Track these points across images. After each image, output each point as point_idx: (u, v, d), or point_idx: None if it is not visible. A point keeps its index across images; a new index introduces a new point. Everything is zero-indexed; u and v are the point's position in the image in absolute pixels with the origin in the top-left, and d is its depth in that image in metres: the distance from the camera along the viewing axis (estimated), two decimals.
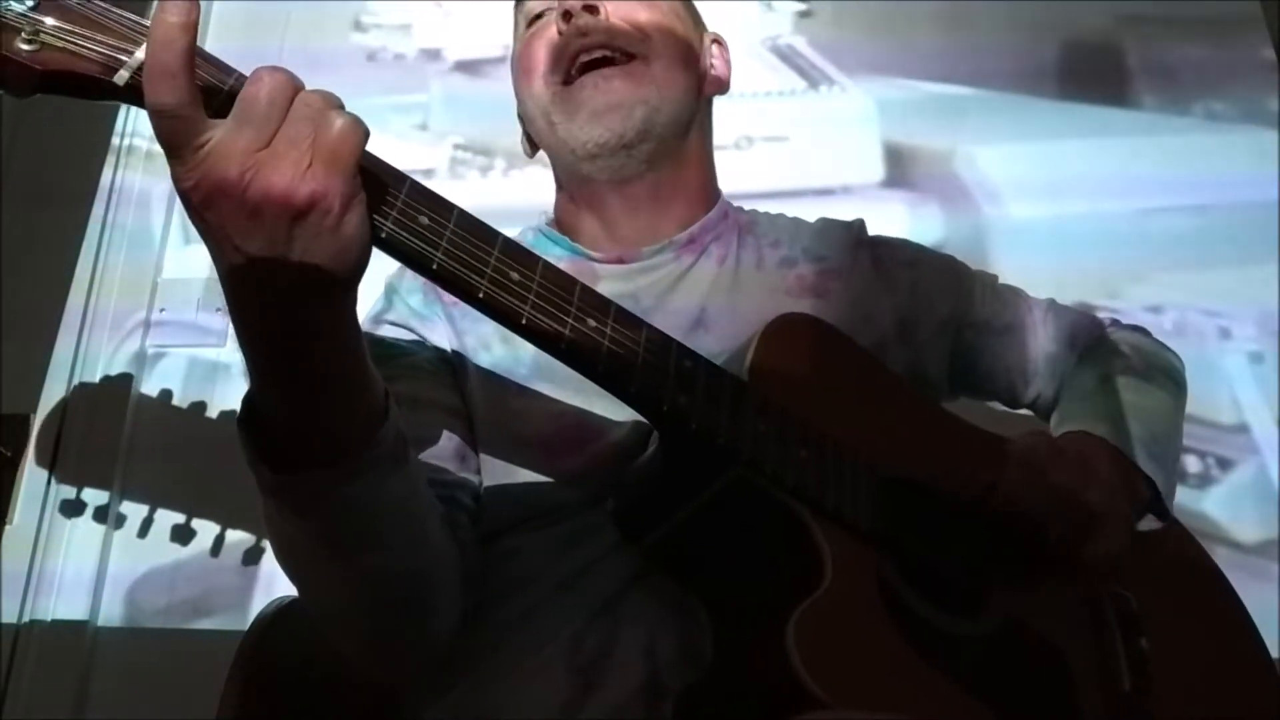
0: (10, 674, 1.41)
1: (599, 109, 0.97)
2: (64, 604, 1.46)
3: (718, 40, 1.15)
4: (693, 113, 1.06)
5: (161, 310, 1.65)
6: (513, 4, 1.11)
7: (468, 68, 1.84)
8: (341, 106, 0.63)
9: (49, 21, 0.60)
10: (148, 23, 0.61)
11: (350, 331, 0.66)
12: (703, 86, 1.09)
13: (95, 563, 1.48)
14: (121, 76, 0.60)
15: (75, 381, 1.57)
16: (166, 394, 1.54)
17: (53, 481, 1.50)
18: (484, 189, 1.71)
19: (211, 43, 1.80)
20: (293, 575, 0.77)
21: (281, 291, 0.62)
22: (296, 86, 0.61)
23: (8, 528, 1.47)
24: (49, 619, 1.45)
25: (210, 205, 0.60)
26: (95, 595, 1.47)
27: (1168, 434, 0.97)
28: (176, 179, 0.60)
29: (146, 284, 1.66)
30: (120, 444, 1.53)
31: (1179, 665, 0.88)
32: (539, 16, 1.05)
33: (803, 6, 1.89)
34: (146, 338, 1.63)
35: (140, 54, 0.60)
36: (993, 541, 0.81)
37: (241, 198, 0.59)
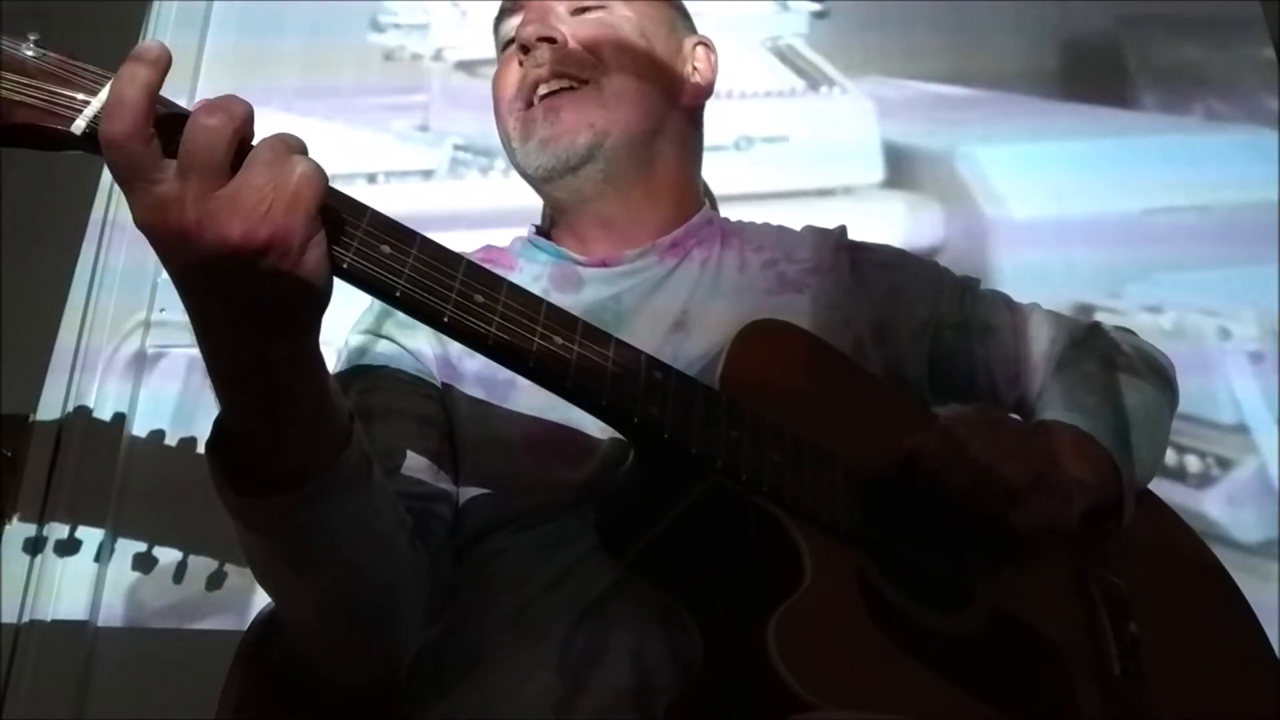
0: (10, 674, 1.41)
1: (546, 137, 1.01)
2: (64, 604, 1.46)
3: (704, 43, 1.15)
4: (657, 126, 1.07)
5: (161, 310, 1.65)
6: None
7: (468, 68, 1.84)
8: (304, 151, 0.63)
9: (7, 76, 0.61)
10: (105, 71, 0.63)
11: (313, 363, 0.68)
12: (679, 96, 1.09)
13: (95, 563, 1.47)
14: (78, 126, 0.62)
15: (75, 382, 1.57)
16: (165, 406, 1.54)
17: (50, 492, 1.49)
18: (484, 189, 1.71)
19: (227, 41, 1.81)
20: (262, 586, 0.79)
21: (244, 328, 0.63)
22: (237, 128, 0.61)
23: (8, 527, 1.47)
24: (49, 619, 1.45)
25: (168, 248, 0.61)
26: (95, 595, 1.47)
27: (1145, 428, 0.96)
28: (134, 218, 0.61)
29: (146, 284, 1.66)
30: (115, 476, 1.52)
31: (1170, 649, 0.88)
32: (511, 42, 1.08)
33: (818, 7, 1.89)
34: (146, 338, 1.63)
35: (97, 103, 0.62)
36: (938, 521, 0.81)
37: (198, 242, 0.60)
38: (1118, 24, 1.89)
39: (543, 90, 1.02)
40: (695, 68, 1.13)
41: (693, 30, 1.16)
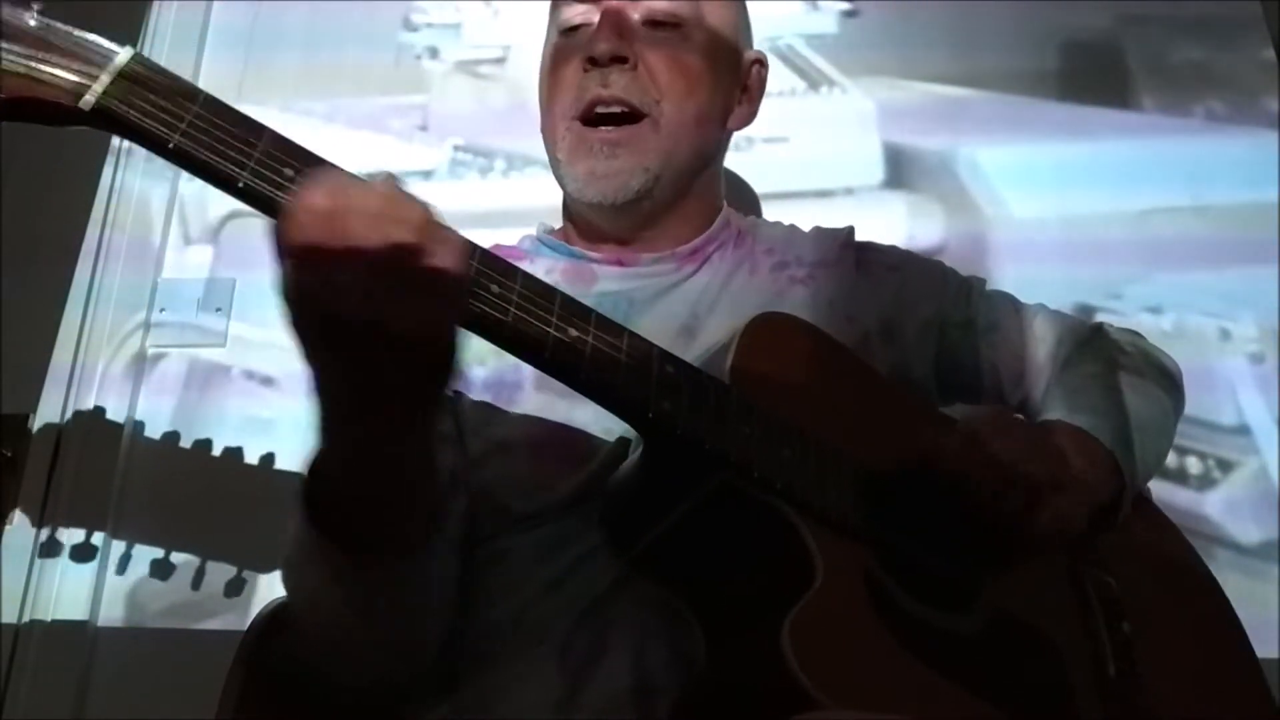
0: (10, 674, 1.41)
1: (598, 172, 0.99)
2: (64, 604, 1.46)
3: (759, 60, 1.13)
4: (706, 160, 1.06)
5: (162, 311, 1.65)
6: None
7: (468, 68, 1.84)
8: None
9: (11, 48, 0.59)
10: (112, 45, 0.62)
11: (432, 435, 0.70)
12: (727, 122, 1.08)
13: (95, 563, 1.47)
14: (87, 101, 0.60)
15: (75, 381, 1.57)
16: (161, 422, 1.54)
17: (51, 492, 1.49)
18: (484, 190, 1.71)
19: (227, 42, 1.81)
20: (303, 610, 0.79)
21: (379, 401, 0.63)
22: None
23: (8, 528, 1.47)
24: (49, 619, 1.45)
25: (334, 320, 0.58)
26: (95, 595, 1.47)
27: (1149, 430, 0.96)
28: (292, 288, 0.58)
29: (146, 284, 1.66)
30: (115, 477, 1.52)
31: (1161, 648, 0.89)
32: (574, 29, 1.05)
33: (848, 6, 1.89)
34: (147, 338, 1.63)
35: (106, 78, 0.60)
36: (951, 520, 0.81)
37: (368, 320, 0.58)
38: (1118, 25, 1.89)
39: (600, 110, 1.00)
40: (746, 88, 1.11)
41: (750, 41, 1.14)
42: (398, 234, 0.58)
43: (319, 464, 0.69)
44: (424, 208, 0.61)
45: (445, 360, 0.62)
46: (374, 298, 0.57)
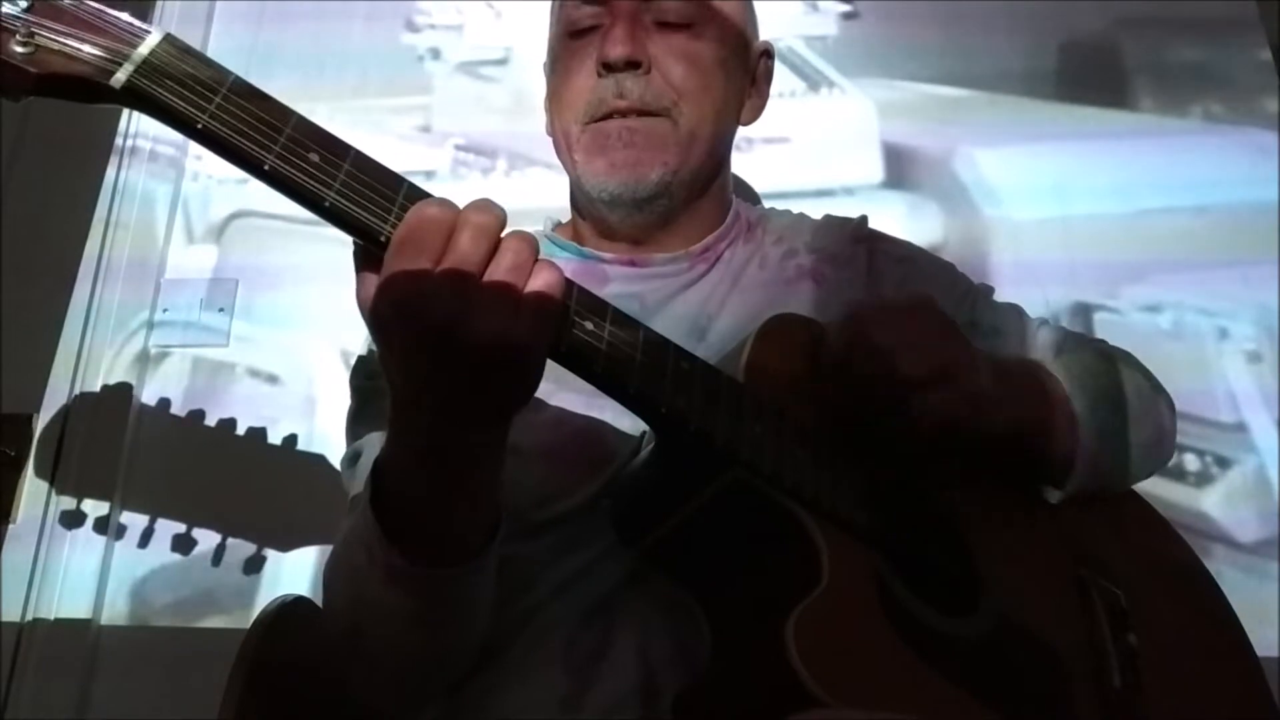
0: (13, 673, 1.41)
1: (617, 163, 0.98)
2: (67, 603, 1.47)
3: (767, 52, 1.13)
4: (720, 158, 1.06)
5: (165, 310, 1.66)
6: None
7: (469, 69, 1.85)
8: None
9: (44, 24, 0.59)
10: (144, 25, 0.62)
11: (501, 448, 0.72)
12: (739, 117, 1.09)
13: (98, 562, 1.48)
14: (118, 79, 0.60)
15: (78, 381, 1.58)
16: (169, 399, 1.56)
17: (55, 483, 1.50)
18: (485, 190, 1.70)
19: (229, 41, 1.82)
20: (352, 622, 0.79)
21: (456, 413, 0.66)
22: (504, 220, 0.65)
23: (10, 527, 1.47)
24: (51, 618, 1.46)
25: (417, 330, 0.62)
26: (98, 594, 1.47)
27: (1135, 414, 0.95)
28: (383, 299, 0.63)
29: (150, 284, 1.67)
30: (122, 451, 1.54)
31: (1166, 661, 0.88)
32: (582, 32, 1.03)
33: (848, 7, 1.90)
34: (150, 338, 1.64)
35: (137, 57, 0.61)
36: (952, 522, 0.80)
37: (453, 331, 0.61)
38: (1115, 25, 1.89)
39: (618, 118, 0.99)
40: (754, 81, 1.11)
41: (757, 32, 1.13)
42: (505, 258, 0.63)
43: (388, 468, 0.71)
44: (530, 235, 0.65)
45: (532, 378, 0.66)
46: (481, 316, 0.61)
